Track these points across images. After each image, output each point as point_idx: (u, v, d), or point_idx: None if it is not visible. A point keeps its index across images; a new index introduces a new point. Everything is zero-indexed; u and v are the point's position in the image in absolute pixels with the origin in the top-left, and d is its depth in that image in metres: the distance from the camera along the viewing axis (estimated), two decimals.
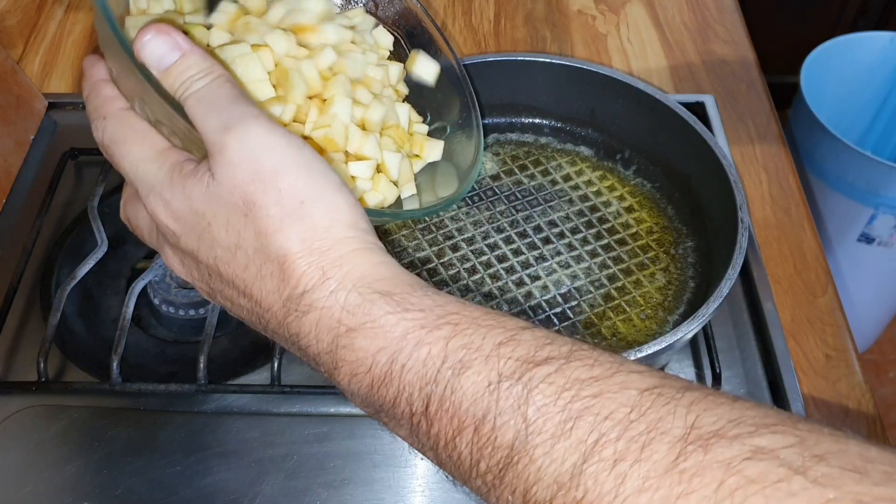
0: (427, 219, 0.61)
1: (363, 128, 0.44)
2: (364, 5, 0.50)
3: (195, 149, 0.35)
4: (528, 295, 0.56)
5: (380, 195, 0.44)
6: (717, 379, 0.55)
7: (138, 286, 0.59)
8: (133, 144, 0.35)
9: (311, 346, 0.32)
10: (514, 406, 0.27)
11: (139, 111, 0.37)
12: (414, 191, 0.47)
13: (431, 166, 0.49)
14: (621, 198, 0.63)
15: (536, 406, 0.27)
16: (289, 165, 0.32)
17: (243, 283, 0.33)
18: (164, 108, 0.34)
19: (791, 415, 0.25)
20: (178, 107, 0.34)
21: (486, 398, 0.28)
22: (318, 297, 0.31)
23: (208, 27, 0.42)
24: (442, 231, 0.60)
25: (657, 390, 0.26)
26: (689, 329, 0.48)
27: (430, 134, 0.50)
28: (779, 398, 0.57)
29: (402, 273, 0.33)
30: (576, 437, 0.26)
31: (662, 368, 0.58)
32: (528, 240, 0.60)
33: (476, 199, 0.63)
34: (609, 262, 0.58)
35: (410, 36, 0.50)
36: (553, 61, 0.63)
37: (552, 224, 0.61)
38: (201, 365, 0.55)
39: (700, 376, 0.58)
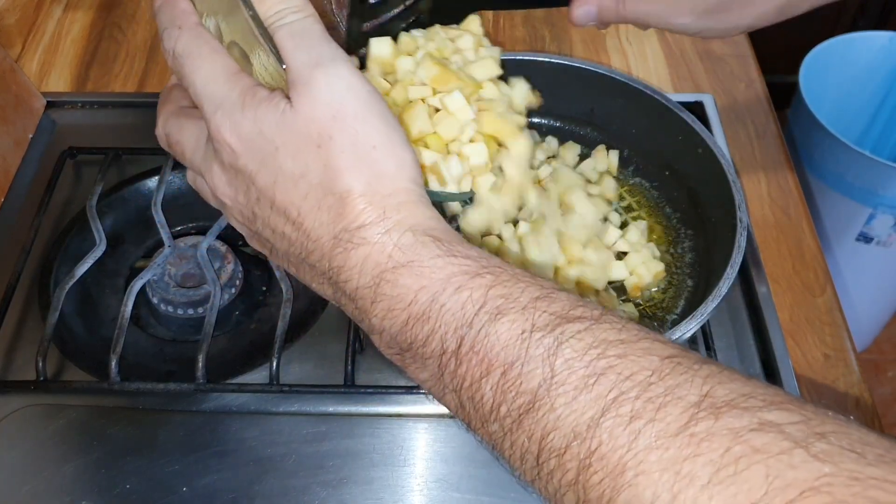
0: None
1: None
2: None
3: (267, 77, 0.36)
4: None
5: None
6: None
7: (137, 285, 0.59)
8: (206, 60, 0.36)
9: (350, 281, 0.33)
10: (544, 356, 0.29)
11: (212, 29, 0.37)
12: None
13: None
14: (620, 197, 0.63)
15: (564, 358, 0.28)
16: (369, 111, 0.34)
17: (297, 211, 0.34)
18: (246, 33, 0.35)
19: (799, 398, 0.27)
20: (266, 35, 0.34)
21: (517, 345, 0.29)
22: (374, 233, 0.33)
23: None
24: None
25: (677, 359, 0.28)
26: (688, 328, 0.48)
27: None
28: None
29: (450, 228, 0.35)
30: (597, 392, 0.27)
31: None
32: None
33: None
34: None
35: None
36: (552, 60, 0.63)
37: None
38: (200, 364, 0.55)
39: None
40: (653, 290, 0.58)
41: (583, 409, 0.27)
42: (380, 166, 0.34)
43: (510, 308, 0.30)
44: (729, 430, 0.25)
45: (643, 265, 0.57)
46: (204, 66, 0.36)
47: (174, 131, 0.39)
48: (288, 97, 0.34)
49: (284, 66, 0.34)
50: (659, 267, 0.57)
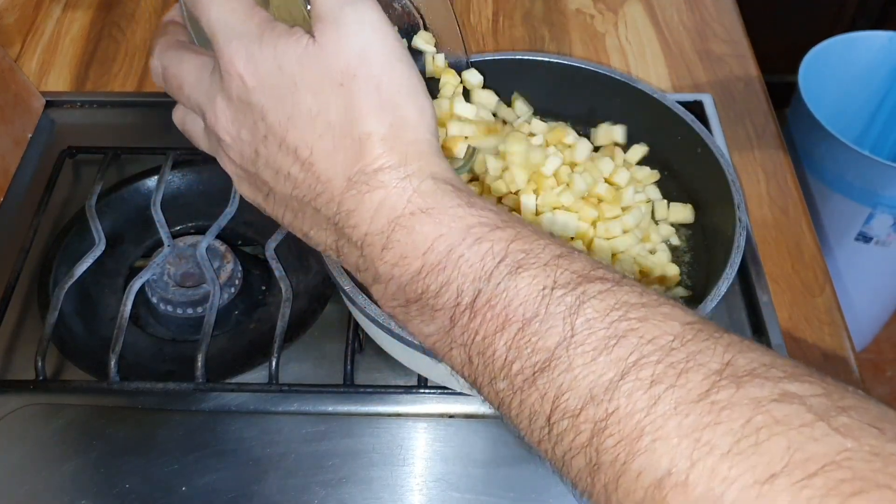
0: None
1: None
2: None
3: (286, 16, 0.35)
4: None
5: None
6: None
7: (136, 285, 0.59)
8: None
9: (359, 226, 0.32)
10: (564, 314, 0.28)
11: None
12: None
13: None
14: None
15: (585, 318, 0.28)
16: (396, 57, 0.33)
17: (309, 151, 0.33)
18: None
19: (819, 371, 0.26)
20: None
21: (537, 301, 0.28)
22: (393, 177, 0.32)
23: None
24: None
25: (698, 326, 0.27)
26: None
27: None
28: None
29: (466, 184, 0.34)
30: (617, 355, 0.26)
31: None
32: None
33: None
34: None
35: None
36: (551, 60, 0.63)
37: None
38: (199, 364, 0.55)
39: None
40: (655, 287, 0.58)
41: (602, 371, 0.26)
42: (403, 112, 0.33)
43: (531, 264, 0.29)
44: (751, 400, 0.24)
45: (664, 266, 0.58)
46: None
47: (172, 63, 0.37)
48: (310, 34, 0.33)
49: (308, 6, 0.33)
50: (674, 270, 0.57)
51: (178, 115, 0.39)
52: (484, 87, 0.59)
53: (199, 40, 0.38)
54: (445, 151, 0.51)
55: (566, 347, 0.27)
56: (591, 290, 0.28)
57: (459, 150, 0.52)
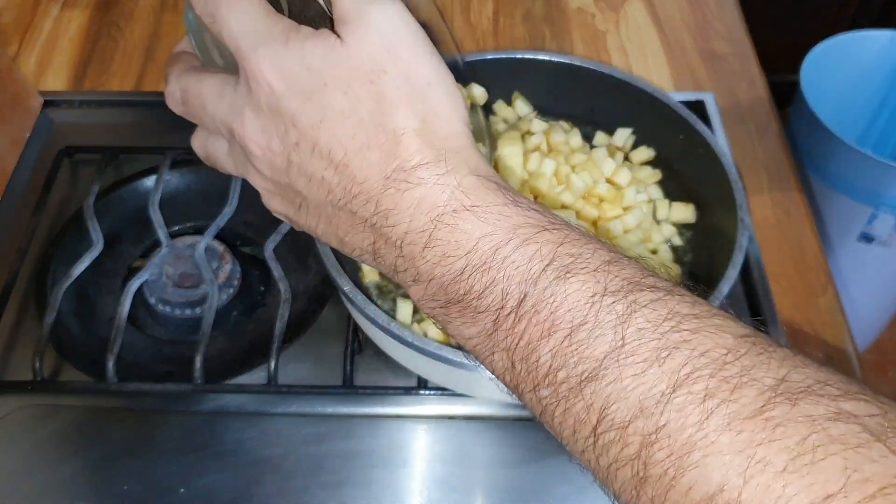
0: None
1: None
2: None
3: (305, 22, 0.34)
4: None
5: None
6: None
7: (134, 285, 0.59)
8: (242, 0, 0.33)
9: (399, 225, 0.31)
10: (615, 322, 0.27)
11: None
12: None
13: None
14: None
15: (637, 327, 0.27)
16: (423, 49, 0.33)
17: (343, 151, 0.32)
18: None
19: (869, 389, 0.26)
20: None
21: (586, 308, 0.28)
22: (433, 174, 0.31)
23: None
24: None
25: (752, 339, 0.27)
26: None
27: None
28: None
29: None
30: (669, 367, 0.26)
31: None
32: None
33: None
34: None
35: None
36: (552, 59, 0.63)
37: None
38: (198, 364, 0.54)
39: None
40: None
41: (653, 383, 0.26)
42: (435, 104, 0.32)
43: (581, 269, 0.28)
44: (806, 417, 0.23)
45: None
46: (241, 4, 0.33)
47: (192, 84, 0.36)
48: (336, 34, 0.32)
49: (331, 7, 0.33)
50: (676, 270, 0.57)
51: (199, 141, 0.38)
52: (483, 85, 0.59)
53: (213, 67, 0.38)
54: None
55: (616, 358, 0.27)
56: (642, 298, 0.27)
57: None
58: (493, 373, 0.31)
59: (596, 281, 0.28)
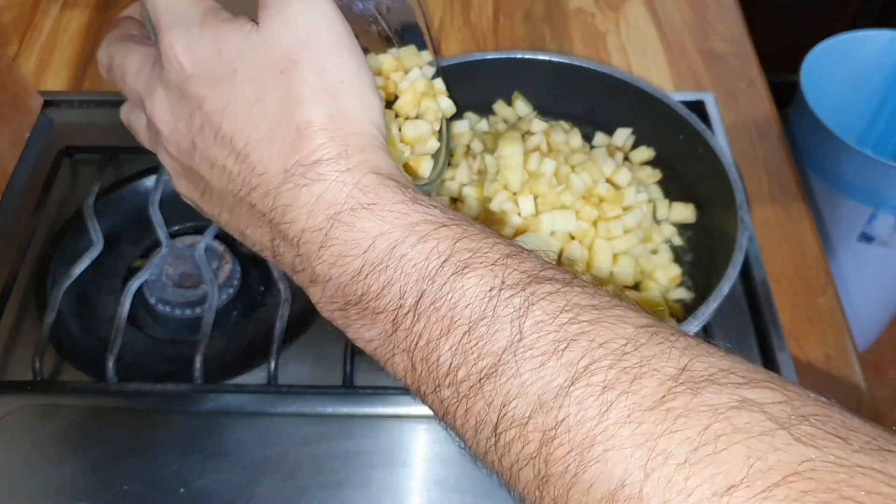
0: None
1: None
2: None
3: (234, 9, 0.34)
4: None
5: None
6: None
7: (134, 285, 0.59)
8: None
9: (296, 222, 0.30)
10: (513, 316, 0.26)
11: None
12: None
13: None
14: None
15: (535, 320, 0.26)
16: (341, 46, 0.32)
17: (245, 141, 0.31)
18: None
19: (780, 376, 0.25)
20: None
21: (484, 303, 0.27)
22: (333, 170, 0.30)
23: None
24: None
25: (653, 329, 0.26)
26: (689, 328, 0.48)
27: None
28: None
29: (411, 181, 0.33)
30: (567, 359, 0.25)
31: None
32: None
33: None
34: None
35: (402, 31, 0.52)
36: (552, 59, 0.63)
37: None
38: (197, 364, 0.54)
39: None
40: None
41: (551, 377, 0.25)
42: (345, 102, 0.31)
43: (479, 263, 0.28)
44: (708, 407, 0.23)
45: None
46: None
47: (118, 53, 0.36)
48: (254, 22, 0.32)
49: None
50: (676, 270, 0.57)
51: (125, 112, 0.38)
52: (483, 85, 0.59)
53: (155, 36, 0.38)
54: (409, 171, 0.50)
55: (514, 352, 0.26)
56: (540, 290, 0.27)
57: (424, 168, 0.50)
58: (395, 375, 0.30)
59: (494, 275, 0.27)
